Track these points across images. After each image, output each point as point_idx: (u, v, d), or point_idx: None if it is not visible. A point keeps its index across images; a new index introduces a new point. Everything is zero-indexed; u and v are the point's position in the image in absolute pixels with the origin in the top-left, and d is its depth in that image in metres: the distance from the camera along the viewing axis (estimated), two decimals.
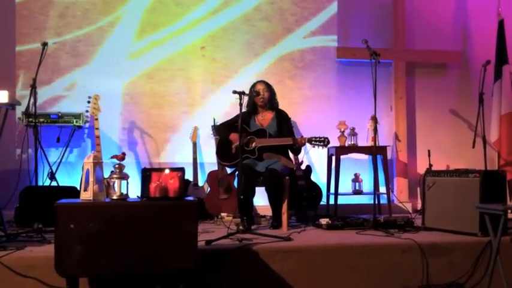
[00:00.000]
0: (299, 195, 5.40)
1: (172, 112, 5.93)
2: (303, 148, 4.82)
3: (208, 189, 5.38)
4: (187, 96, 5.98)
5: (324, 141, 4.51)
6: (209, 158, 5.79)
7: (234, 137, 4.73)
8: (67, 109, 5.40)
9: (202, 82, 6.01)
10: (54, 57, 5.67)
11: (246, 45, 6.11)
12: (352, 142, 5.85)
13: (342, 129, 5.81)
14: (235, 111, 5.75)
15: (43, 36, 5.64)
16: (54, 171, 5.17)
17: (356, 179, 5.90)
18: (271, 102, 4.92)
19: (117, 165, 3.17)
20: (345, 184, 5.89)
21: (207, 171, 5.58)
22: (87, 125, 5.56)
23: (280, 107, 5.02)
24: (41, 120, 5.24)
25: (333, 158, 5.74)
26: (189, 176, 5.42)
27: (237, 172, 4.68)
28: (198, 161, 5.66)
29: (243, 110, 4.49)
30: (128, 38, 5.90)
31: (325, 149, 5.73)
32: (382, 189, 5.89)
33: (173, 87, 5.95)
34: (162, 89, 5.93)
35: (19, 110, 5.19)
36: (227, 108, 5.88)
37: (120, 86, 5.86)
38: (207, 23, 6.04)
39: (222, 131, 4.97)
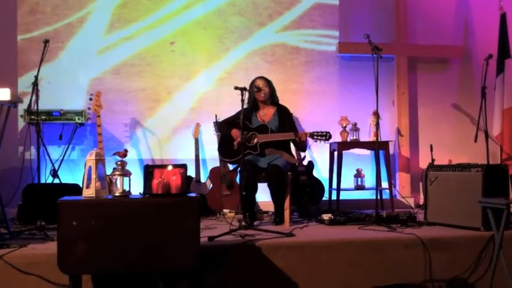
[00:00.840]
0: (301, 191, 5.40)
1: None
2: (307, 143, 4.81)
3: (211, 185, 5.39)
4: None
5: (325, 136, 4.51)
6: (211, 154, 5.79)
7: (235, 133, 4.73)
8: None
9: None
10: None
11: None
12: (354, 137, 5.85)
13: (344, 125, 5.80)
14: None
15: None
16: (56, 169, 5.18)
17: (358, 174, 5.90)
18: (272, 98, 4.92)
19: (119, 162, 3.17)
20: (347, 179, 5.89)
21: (210, 167, 5.58)
22: (89, 122, 5.56)
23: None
24: (43, 117, 5.25)
25: (335, 153, 5.74)
26: (191, 172, 5.42)
27: (239, 168, 4.68)
28: (200, 157, 5.66)
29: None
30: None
31: (327, 144, 5.74)
32: (385, 184, 5.89)
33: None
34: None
35: (21, 108, 5.18)
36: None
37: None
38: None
39: (223, 127, 4.96)
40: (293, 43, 6.19)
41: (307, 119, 6.00)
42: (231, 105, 5.64)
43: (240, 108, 4.33)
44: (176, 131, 5.91)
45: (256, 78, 4.94)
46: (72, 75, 5.73)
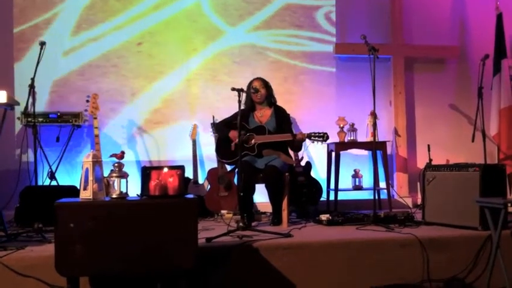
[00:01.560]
0: (299, 192, 5.40)
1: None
2: (302, 144, 4.81)
3: (209, 186, 5.38)
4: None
5: (323, 137, 4.51)
6: (209, 155, 5.79)
7: (233, 134, 4.73)
8: None
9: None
10: None
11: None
12: (352, 138, 5.85)
13: (341, 125, 5.81)
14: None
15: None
16: (53, 171, 5.18)
17: (356, 175, 5.90)
18: (269, 99, 4.92)
19: (116, 164, 3.17)
20: (345, 180, 5.89)
21: (207, 168, 5.58)
22: (86, 124, 5.55)
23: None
24: (40, 119, 5.24)
25: (333, 153, 5.74)
26: (189, 173, 5.41)
27: (236, 169, 4.68)
28: (198, 158, 5.66)
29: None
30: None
31: (325, 145, 5.74)
32: (382, 184, 5.90)
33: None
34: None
35: (17, 110, 5.17)
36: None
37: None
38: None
39: (221, 128, 4.96)
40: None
41: (304, 119, 6.00)
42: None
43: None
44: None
45: (254, 79, 4.94)
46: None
